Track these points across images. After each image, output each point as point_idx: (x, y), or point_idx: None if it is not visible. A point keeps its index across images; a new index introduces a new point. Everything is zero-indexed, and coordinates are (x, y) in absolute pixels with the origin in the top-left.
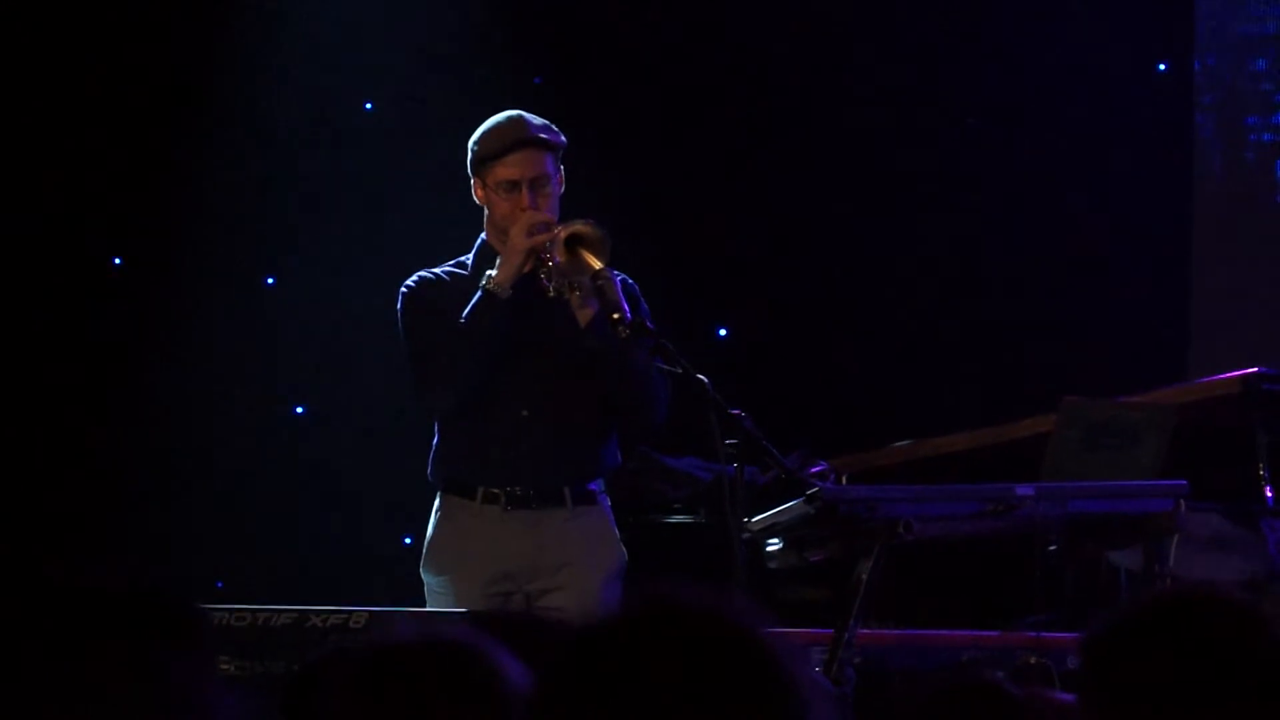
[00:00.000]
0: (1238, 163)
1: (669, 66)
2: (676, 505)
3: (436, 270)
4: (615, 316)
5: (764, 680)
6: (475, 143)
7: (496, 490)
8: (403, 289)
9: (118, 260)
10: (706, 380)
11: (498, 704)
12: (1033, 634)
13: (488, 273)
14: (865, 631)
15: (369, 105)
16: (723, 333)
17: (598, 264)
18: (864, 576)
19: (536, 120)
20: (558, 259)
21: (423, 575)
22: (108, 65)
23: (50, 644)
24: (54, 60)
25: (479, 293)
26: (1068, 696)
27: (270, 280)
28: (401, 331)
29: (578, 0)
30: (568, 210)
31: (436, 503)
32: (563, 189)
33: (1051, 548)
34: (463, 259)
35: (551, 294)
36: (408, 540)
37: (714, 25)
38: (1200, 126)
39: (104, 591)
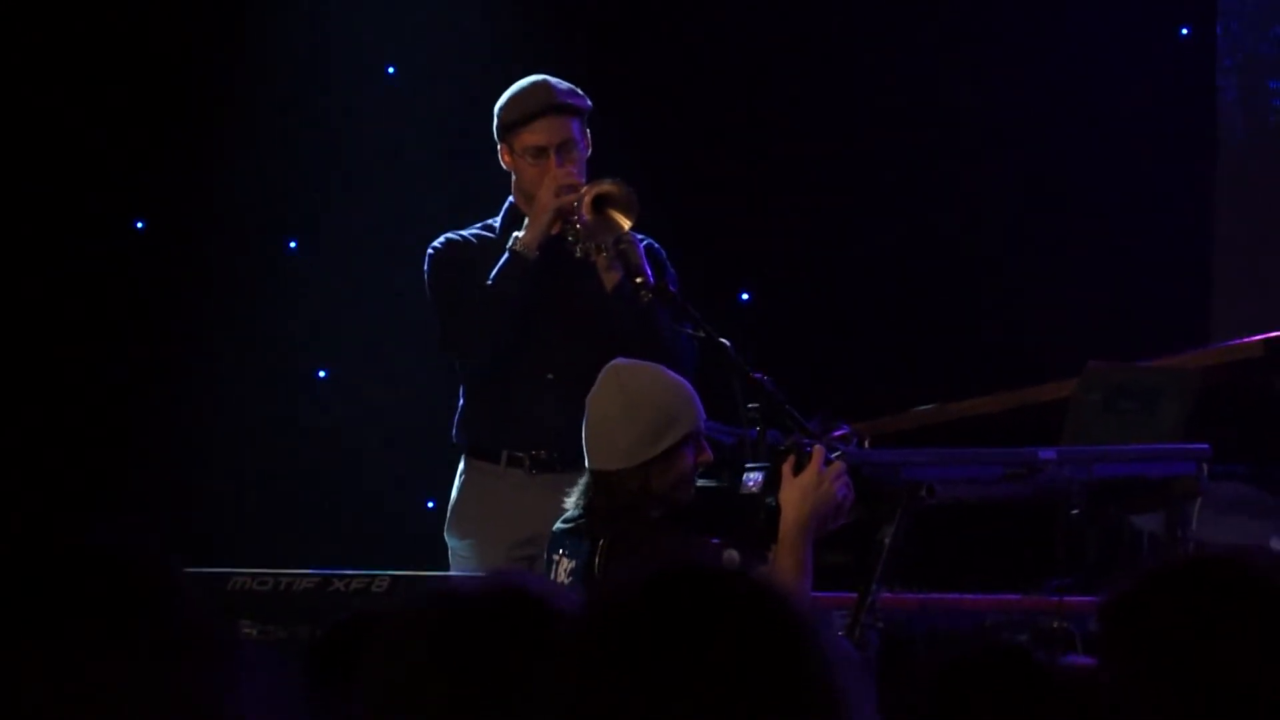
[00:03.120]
0: (1260, 126)
1: (697, 33)
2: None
3: (464, 232)
4: (638, 280)
5: (788, 643)
6: (501, 109)
7: (520, 454)
8: (430, 250)
9: (139, 224)
10: (729, 344)
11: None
12: (1055, 598)
13: (515, 234)
14: (888, 595)
15: (392, 69)
16: (745, 297)
17: (626, 223)
18: (886, 540)
19: (562, 85)
20: (585, 219)
21: (446, 539)
22: (129, 31)
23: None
24: (77, 27)
25: (506, 254)
26: (1089, 660)
27: (293, 244)
28: (428, 292)
29: (614, 14)
30: (592, 174)
31: (460, 466)
32: (589, 152)
33: (1074, 512)
34: (490, 221)
35: (578, 255)
36: (431, 504)
37: (747, 27)
38: (1222, 90)
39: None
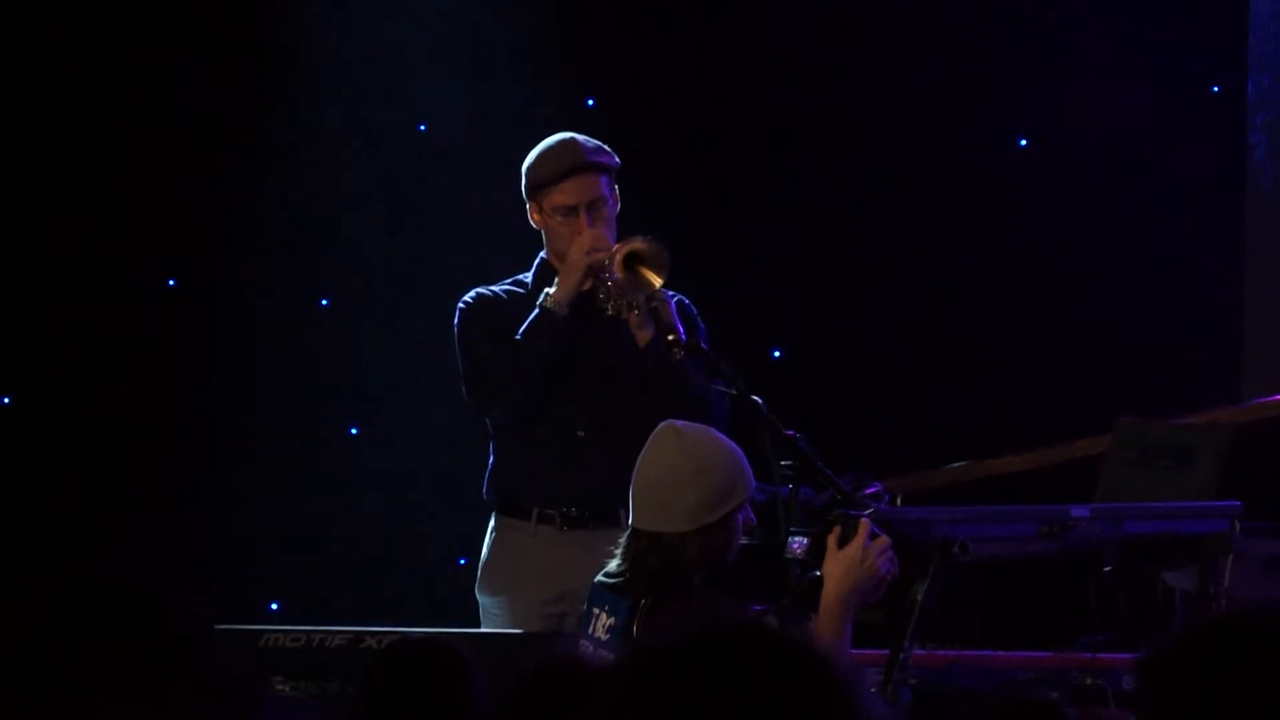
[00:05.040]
0: None
1: (723, 88)
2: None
3: (495, 287)
4: (670, 337)
5: (825, 702)
6: (529, 168)
7: (551, 511)
8: (460, 305)
9: (172, 281)
10: (761, 401)
11: None
12: (1088, 654)
13: (546, 290)
14: (920, 652)
15: (423, 126)
16: (777, 354)
17: (657, 281)
18: (919, 597)
19: (590, 143)
20: (616, 276)
21: (478, 596)
22: (161, 87)
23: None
24: (107, 81)
25: (536, 310)
26: (1125, 715)
27: (325, 301)
28: (457, 347)
29: (628, 22)
30: (624, 230)
31: (491, 523)
32: (619, 208)
33: (1106, 568)
34: (521, 277)
35: (610, 313)
36: (462, 561)
37: (771, 48)
38: (1254, 147)
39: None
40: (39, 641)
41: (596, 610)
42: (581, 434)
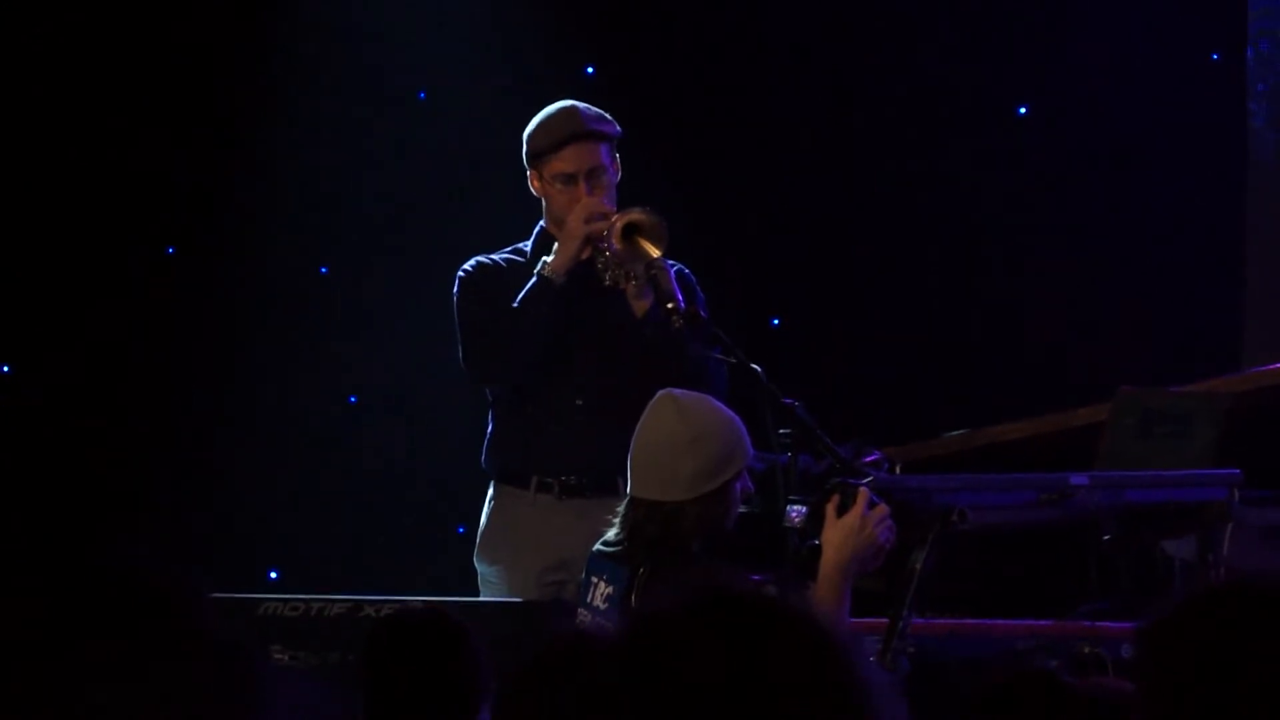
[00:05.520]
0: None
1: (721, 55)
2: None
3: (494, 256)
4: (669, 306)
5: (824, 669)
6: (529, 135)
7: (550, 479)
8: (460, 273)
9: (170, 249)
10: (760, 369)
11: None
12: (1087, 623)
13: (544, 259)
14: (919, 621)
15: (422, 94)
16: (776, 322)
17: (655, 252)
18: (918, 566)
19: (590, 111)
20: (615, 246)
21: (476, 564)
22: (160, 57)
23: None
24: (106, 53)
25: (534, 278)
26: (1124, 684)
27: (324, 269)
28: (456, 315)
29: None
30: (623, 199)
31: (490, 492)
32: (619, 177)
33: (1106, 537)
34: (520, 245)
35: (607, 283)
36: (461, 529)
37: (769, 13)
38: (1253, 114)
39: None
40: (29, 626)
41: (595, 579)
42: (580, 403)
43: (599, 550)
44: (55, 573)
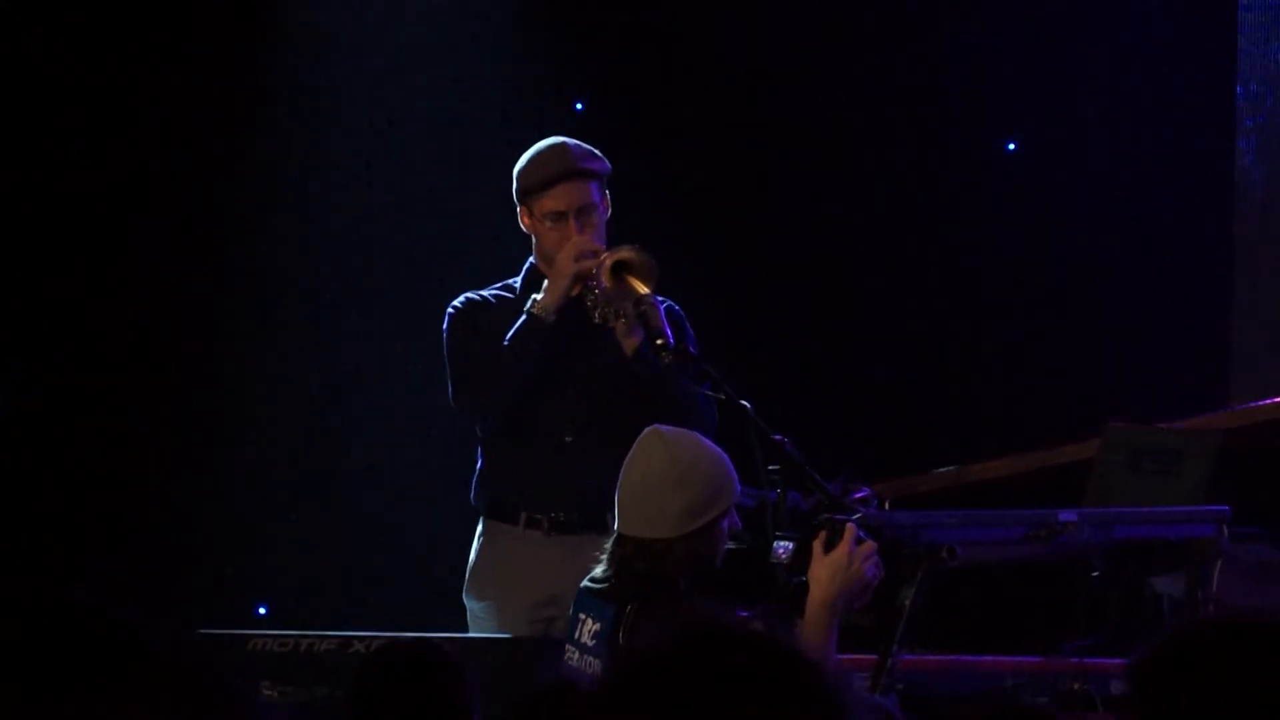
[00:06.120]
0: (1279, 187)
1: (712, 92)
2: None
3: (484, 292)
4: (659, 342)
5: (811, 706)
6: (519, 172)
7: (539, 516)
8: (449, 309)
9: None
10: (749, 406)
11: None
12: (1076, 659)
13: (533, 296)
14: (908, 657)
15: (413, 127)
16: (765, 359)
17: (645, 289)
18: (907, 602)
19: (581, 148)
20: (604, 284)
21: (465, 601)
22: (159, 57)
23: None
24: (106, 53)
25: (524, 316)
26: None
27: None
28: (445, 350)
29: (617, 27)
30: (613, 235)
31: (479, 527)
32: (609, 214)
33: (1095, 573)
34: (510, 281)
35: (597, 320)
36: (450, 565)
37: (760, 51)
38: (1242, 152)
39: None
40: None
41: (582, 615)
42: (569, 439)
43: (586, 587)
44: (37, 615)
